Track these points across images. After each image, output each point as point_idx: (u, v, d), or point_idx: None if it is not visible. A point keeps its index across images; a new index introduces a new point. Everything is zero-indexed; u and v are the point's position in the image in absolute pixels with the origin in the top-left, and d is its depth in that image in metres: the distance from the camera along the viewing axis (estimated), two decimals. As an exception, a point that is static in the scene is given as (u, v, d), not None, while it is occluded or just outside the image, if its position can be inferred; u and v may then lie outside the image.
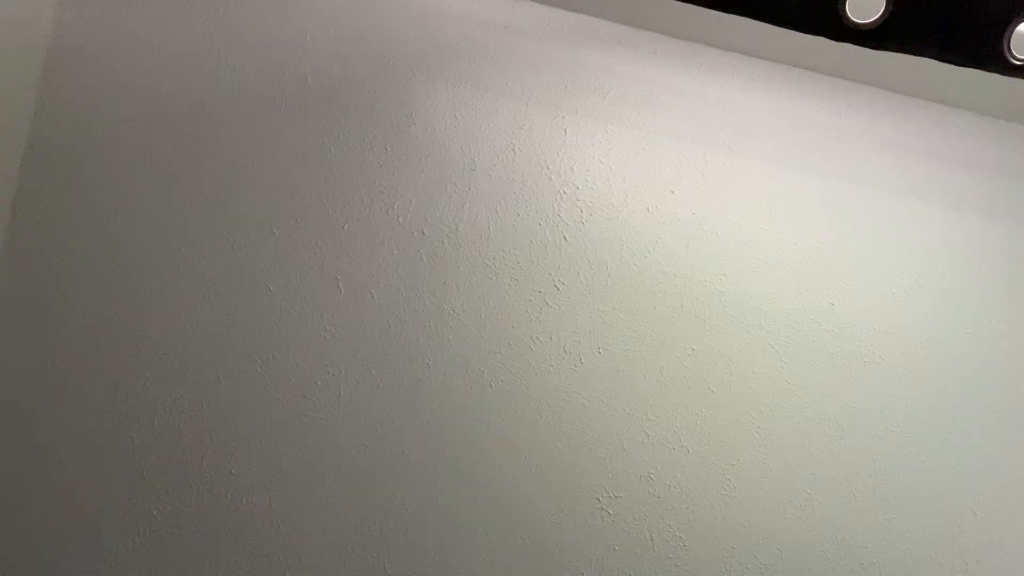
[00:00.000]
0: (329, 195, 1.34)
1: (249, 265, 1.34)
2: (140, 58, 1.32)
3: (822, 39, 1.04)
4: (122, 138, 1.32)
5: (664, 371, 1.37)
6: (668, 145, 1.37)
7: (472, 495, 1.35)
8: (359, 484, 1.35)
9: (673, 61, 1.37)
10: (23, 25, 1.25)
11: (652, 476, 1.37)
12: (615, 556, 1.36)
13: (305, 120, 1.34)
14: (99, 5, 1.32)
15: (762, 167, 1.38)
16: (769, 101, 1.38)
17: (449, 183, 1.36)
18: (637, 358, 1.37)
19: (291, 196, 1.34)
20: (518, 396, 1.36)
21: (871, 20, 1.00)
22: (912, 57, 1.05)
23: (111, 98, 1.32)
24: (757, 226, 1.38)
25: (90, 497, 1.33)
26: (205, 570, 1.34)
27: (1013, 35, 0.99)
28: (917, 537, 1.39)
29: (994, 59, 1.00)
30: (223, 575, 1.34)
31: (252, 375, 1.34)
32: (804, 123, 1.39)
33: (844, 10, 1.00)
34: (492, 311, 1.36)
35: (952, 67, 1.05)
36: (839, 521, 1.38)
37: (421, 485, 1.34)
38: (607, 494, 1.36)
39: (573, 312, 1.37)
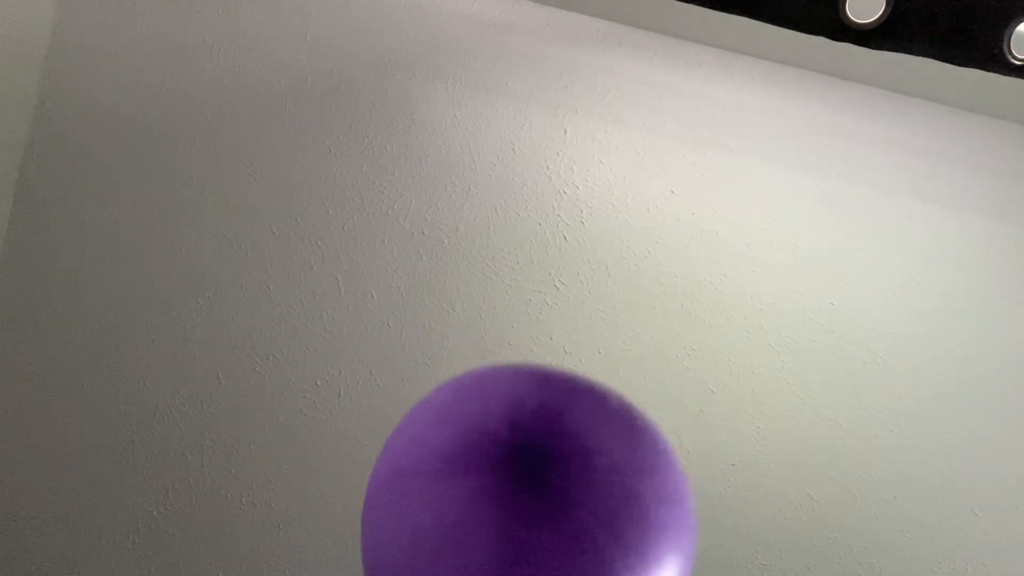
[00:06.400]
0: (329, 195, 1.34)
1: (249, 265, 1.34)
2: (140, 58, 1.32)
3: (822, 39, 1.04)
4: (122, 138, 1.32)
5: (664, 371, 1.37)
6: (668, 145, 1.37)
7: (472, 495, 1.34)
8: (359, 484, 1.35)
9: (673, 61, 1.37)
10: (23, 25, 1.25)
11: (652, 476, 1.37)
12: (615, 556, 1.35)
13: (305, 120, 1.34)
14: (99, 5, 1.32)
15: (762, 167, 1.38)
16: (769, 101, 1.38)
17: (449, 183, 1.36)
18: (637, 358, 1.37)
19: (291, 196, 1.34)
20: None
21: (871, 20, 1.00)
22: (912, 57, 1.05)
23: (111, 98, 1.32)
24: (757, 226, 1.38)
25: (90, 497, 1.33)
26: (205, 570, 1.34)
27: (1013, 35, 0.99)
28: (917, 537, 1.39)
29: (994, 59, 1.00)
30: (223, 575, 1.34)
31: (252, 375, 1.34)
32: (804, 123, 1.39)
33: (844, 10, 1.00)
34: (492, 311, 1.36)
35: (952, 67, 1.05)
36: (839, 521, 1.38)
37: (421, 485, 1.34)
38: (607, 494, 1.36)
39: (573, 312, 1.37)
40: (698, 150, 1.38)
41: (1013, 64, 1.00)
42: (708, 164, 1.38)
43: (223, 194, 1.33)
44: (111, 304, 1.32)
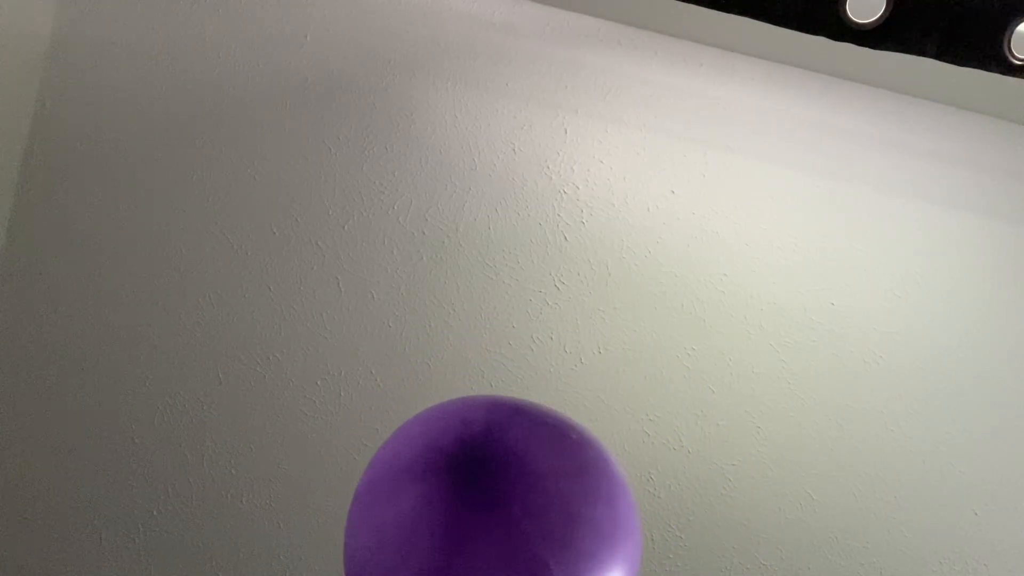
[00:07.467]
0: (329, 195, 1.34)
1: (249, 265, 1.34)
2: (140, 58, 1.32)
3: (822, 39, 1.04)
4: (122, 138, 1.32)
5: (664, 371, 1.37)
6: (668, 145, 1.37)
7: (472, 495, 1.34)
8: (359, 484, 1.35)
9: (673, 61, 1.37)
10: (23, 25, 1.25)
11: (652, 476, 1.37)
12: (615, 556, 1.35)
13: (305, 120, 1.34)
14: (99, 5, 1.32)
15: (762, 167, 1.38)
16: (769, 101, 1.38)
17: (449, 183, 1.36)
18: (637, 358, 1.37)
19: (291, 196, 1.34)
20: (518, 396, 1.35)
21: (871, 20, 1.00)
22: (912, 57, 1.05)
23: (111, 98, 1.32)
24: (757, 226, 1.38)
25: (90, 497, 1.33)
26: (205, 570, 1.34)
27: (1013, 35, 0.99)
28: (917, 537, 1.39)
29: (994, 59, 1.00)
30: (223, 575, 1.34)
31: (252, 375, 1.34)
32: (804, 123, 1.39)
33: (844, 10, 1.00)
34: (492, 311, 1.36)
35: (952, 67, 1.05)
36: (839, 521, 1.38)
37: (421, 485, 1.34)
38: (607, 494, 1.36)
39: (573, 312, 1.37)
40: (698, 150, 1.38)
41: (1013, 64, 1.00)
42: (708, 164, 1.38)
43: (223, 194, 1.33)
44: (111, 304, 1.32)
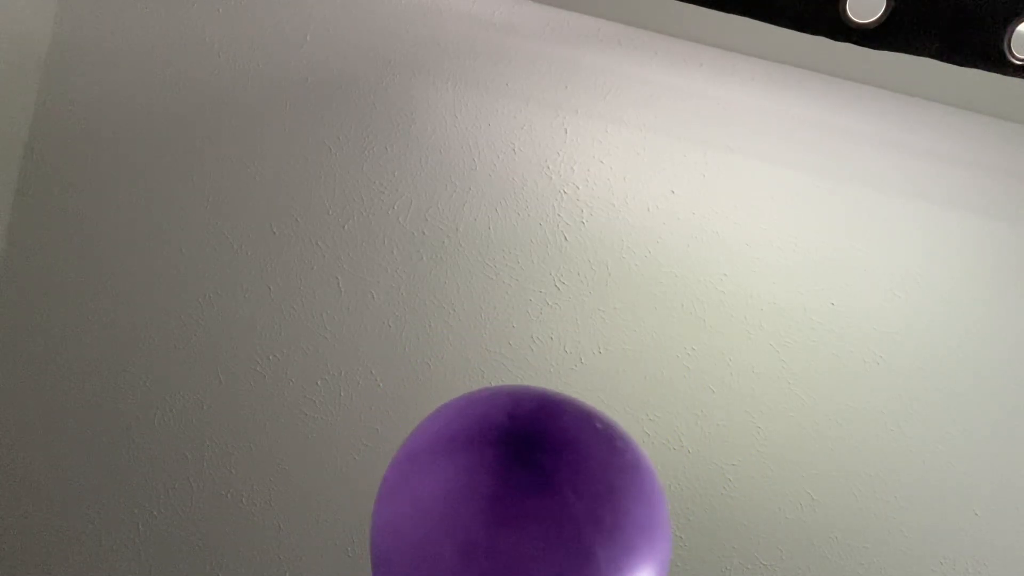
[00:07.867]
0: (329, 195, 1.34)
1: (249, 265, 1.34)
2: (140, 58, 1.32)
3: (822, 39, 1.04)
4: (122, 138, 1.32)
5: (664, 371, 1.37)
6: (668, 145, 1.37)
7: (472, 495, 1.34)
8: (359, 484, 1.35)
9: (673, 61, 1.37)
10: (23, 25, 1.25)
11: (652, 476, 1.37)
12: (615, 556, 1.35)
13: (305, 120, 1.34)
14: (100, 5, 1.32)
15: (762, 167, 1.38)
16: (769, 101, 1.38)
17: (449, 183, 1.36)
18: (637, 358, 1.37)
19: (291, 196, 1.34)
20: (518, 396, 1.35)
21: (871, 20, 1.00)
22: (912, 57, 1.05)
23: (111, 98, 1.32)
24: (757, 226, 1.38)
25: (90, 497, 1.33)
26: (205, 570, 1.34)
27: (1013, 35, 0.99)
28: (917, 537, 1.39)
29: (994, 59, 1.00)
30: (223, 575, 1.34)
31: (252, 375, 1.34)
32: (804, 123, 1.39)
33: (844, 10, 1.00)
34: (492, 311, 1.36)
35: (952, 67, 1.05)
36: (839, 521, 1.38)
37: (421, 485, 1.34)
38: (607, 494, 1.36)
39: (573, 312, 1.37)
40: (698, 150, 1.38)
41: (1013, 64, 1.00)
42: (708, 164, 1.38)
43: (223, 194, 1.33)
44: (111, 304, 1.32)
